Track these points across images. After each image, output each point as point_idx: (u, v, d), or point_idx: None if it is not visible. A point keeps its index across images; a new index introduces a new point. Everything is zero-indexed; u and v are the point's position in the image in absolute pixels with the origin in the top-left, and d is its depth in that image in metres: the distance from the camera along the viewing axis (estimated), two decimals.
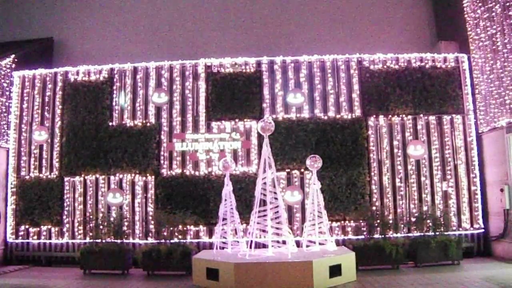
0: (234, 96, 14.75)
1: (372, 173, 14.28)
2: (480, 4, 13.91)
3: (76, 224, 14.75)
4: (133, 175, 14.71)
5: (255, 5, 18.34)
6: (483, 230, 14.03)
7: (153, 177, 14.63)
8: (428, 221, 13.18)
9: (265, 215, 10.86)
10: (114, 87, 15.26)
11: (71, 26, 18.48)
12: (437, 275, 11.21)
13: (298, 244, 12.00)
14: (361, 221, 13.79)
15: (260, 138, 13.91)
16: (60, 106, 15.40)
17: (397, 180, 14.28)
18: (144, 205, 14.67)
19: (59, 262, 14.87)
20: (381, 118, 14.53)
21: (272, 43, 16.98)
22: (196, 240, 14.13)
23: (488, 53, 13.68)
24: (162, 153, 14.78)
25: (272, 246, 10.99)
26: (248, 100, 14.73)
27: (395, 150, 14.41)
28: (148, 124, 14.93)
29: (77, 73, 15.48)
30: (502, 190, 13.06)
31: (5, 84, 15.48)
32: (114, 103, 15.18)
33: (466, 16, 14.82)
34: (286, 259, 10.28)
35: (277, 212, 10.98)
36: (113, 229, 13.55)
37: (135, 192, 14.69)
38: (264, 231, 11.15)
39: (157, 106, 15.06)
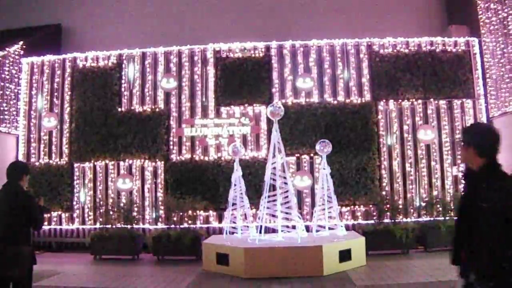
0: (243, 81, 14.70)
1: (382, 158, 14.23)
2: None
3: (86, 210, 14.82)
4: (142, 160, 14.73)
5: None
6: None
7: (162, 162, 14.64)
8: (438, 206, 13.16)
9: (274, 200, 10.84)
10: (123, 73, 15.24)
11: (79, 12, 18.41)
12: (446, 260, 11.00)
13: (307, 229, 11.99)
14: (370, 206, 13.79)
15: (269, 123, 13.85)
16: (69, 92, 15.42)
17: (407, 164, 14.22)
18: (154, 190, 14.70)
19: (70, 248, 14.97)
20: (391, 102, 14.44)
21: (281, 27, 16.83)
22: (206, 225, 14.16)
23: (499, 37, 13.55)
24: (171, 138, 14.79)
25: (282, 231, 11.00)
26: (257, 85, 14.68)
27: (405, 135, 14.34)
28: (157, 110, 14.92)
29: (86, 59, 15.48)
30: None
31: (14, 71, 15.51)
32: (122, 89, 15.17)
33: None
34: (296, 244, 10.28)
35: (287, 197, 10.97)
36: (123, 215, 13.61)
37: (145, 177, 14.72)
38: (273, 216, 11.16)
39: (166, 92, 15.05)
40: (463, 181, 4.08)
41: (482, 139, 3.94)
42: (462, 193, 4.22)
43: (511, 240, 3.49)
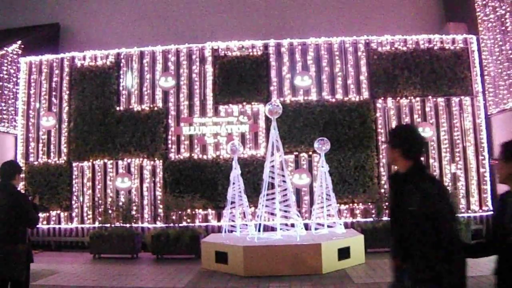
0: (241, 80, 14.70)
1: (381, 156, 14.23)
2: None
3: (85, 209, 14.82)
4: (141, 159, 14.73)
5: None
6: (492, 212, 13.97)
7: (161, 161, 14.64)
8: None
9: (273, 198, 10.85)
10: (121, 72, 15.24)
11: (77, 12, 18.41)
12: None
13: (306, 227, 12.01)
14: (369, 203, 13.78)
15: (267, 121, 13.86)
16: (67, 92, 15.41)
17: None
18: (153, 189, 14.71)
19: (69, 247, 14.96)
20: (389, 100, 14.45)
21: (279, 26, 16.85)
22: (204, 224, 14.17)
23: (497, 34, 13.56)
24: (169, 137, 14.78)
25: (281, 229, 11.01)
26: (255, 83, 14.68)
27: None
28: (156, 108, 14.91)
29: (84, 58, 15.47)
30: None
31: (12, 70, 15.50)
32: (121, 88, 15.16)
33: None
34: (295, 242, 10.29)
35: (286, 195, 10.98)
36: (122, 214, 13.62)
37: (143, 176, 14.72)
38: (272, 214, 11.18)
39: (164, 90, 15.04)
40: (389, 184, 4.07)
41: (408, 141, 3.91)
42: (390, 197, 4.23)
43: (441, 242, 3.48)
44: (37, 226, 13.46)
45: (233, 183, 11.85)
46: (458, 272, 3.48)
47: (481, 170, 14.11)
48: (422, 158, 3.92)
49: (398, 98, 14.44)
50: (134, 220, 13.84)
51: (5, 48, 15.32)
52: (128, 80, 15.25)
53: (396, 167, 4.00)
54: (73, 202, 14.88)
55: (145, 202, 14.60)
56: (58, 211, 14.86)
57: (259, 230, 10.96)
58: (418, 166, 3.84)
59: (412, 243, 3.59)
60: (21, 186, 14.69)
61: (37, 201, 7.11)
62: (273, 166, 10.97)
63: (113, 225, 13.49)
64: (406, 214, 3.62)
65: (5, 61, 15.26)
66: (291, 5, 17.73)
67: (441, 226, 3.51)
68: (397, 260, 3.85)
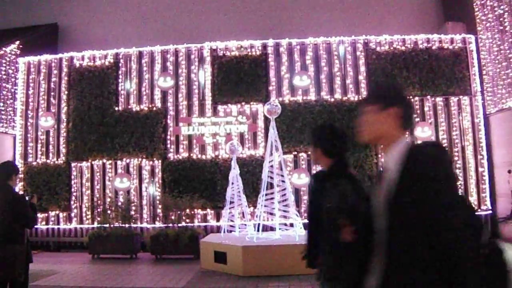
0: (240, 79, 14.69)
1: (379, 155, 14.24)
2: None
3: (84, 209, 14.81)
4: (140, 159, 14.72)
5: None
6: (490, 212, 14.00)
7: (160, 161, 14.64)
8: None
9: (272, 198, 10.85)
10: (120, 72, 15.23)
11: (76, 11, 18.39)
12: None
13: (305, 226, 11.98)
14: None
15: (266, 121, 13.87)
16: (65, 92, 15.40)
17: None
18: (152, 189, 14.70)
19: (68, 247, 14.95)
20: None
21: (278, 26, 16.82)
22: (203, 224, 14.16)
23: (495, 34, 13.57)
24: (168, 137, 14.78)
25: (280, 229, 11.00)
26: (254, 83, 14.67)
27: None
28: (154, 109, 14.91)
29: (82, 58, 15.45)
30: (509, 171, 13.00)
31: (10, 71, 15.48)
32: (119, 88, 15.16)
33: None
34: (294, 241, 10.28)
35: (285, 195, 10.98)
36: (121, 214, 13.61)
37: (142, 176, 14.71)
38: (271, 214, 11.18)
39: (163, 90, 15.04)
40: (310, 182, 4.03)
41: (328, 140, 3.95)
42: (309, 195, 4.20)
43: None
44: (36, 226, 13.58)
45: (232, 183, 11.86)
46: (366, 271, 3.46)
47: (480, 169, 14.12)
48: (344, 156, 3.97)
49: None
50: (133, 220, 13.83)
51: (3, 48, 15.31)
52: (127, 80, 15.23)
53: (320, 165, 4.00)
54: (72, 202, 14.87)
55: (144, 202, 14.59)
56: (57, 212, 14.84)
57: (258, 230, 10.97)
58: (338, 165, 3.86)
59: (327, 240, 3.53)
60: (20, 187, 14.70)
61: (35, 201, 7.11)
62: (272, 166, 10.96)
63: (112, 226, 13.48)
64: (323, 210, 3.58)
65: (4, 61, 15.25)
66: (290, 5, 17.72)
67: (355, 223, 3.45)
68: (308, 259, 3.86)
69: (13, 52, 15.64)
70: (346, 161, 3.97)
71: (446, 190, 2.34)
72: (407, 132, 2.67)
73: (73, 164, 15.02)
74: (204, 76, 15.00)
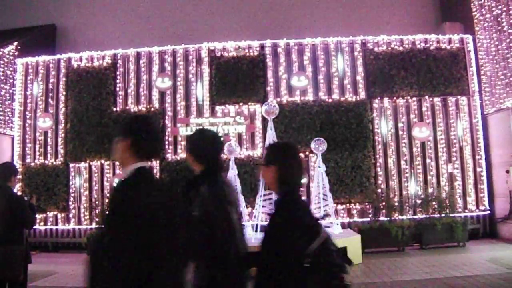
0: (238, 80, 14.69)
1: (377, 156, 14.25)
2: None
3: (82, 210, 14.80)
4: None
5: None
6: (488, 212, 14.00)
7: (157, 161, 14.63)
8: (434, 203, 13.20)
9: (270, 199, 10.87)
10: (118, 73, 15.23)
11: (74, 12, 18.40)
12: (442, 256, 11.23)
13: None
14: (366, 203, 13.81)
15: (264, 121, 13.86)
16: (63, 93, 15.40)
17: (402, 162, 14.24)
18: None
19: (66, 248, 14.93)
20: (386, 100, 14.46)
21: (275, 26, 16.83)
22: None
23: (493, 34, 13.58)
24: (166, 138, 14.77)
25: None
26: (252, 84, 14.67)
27: (400, 132, 14.35)
28: (152, 109, 14.91)
29: (80, 59, 15.45)
30: (507, 171, 13.02)
31: (8, 72, 15.47)
32: (117, 89, 15.16)
33: None
34: None
35: None
36: None
37: None
38: (269, 214, 11.15)
39: (161, 91, 15.03)
40: (181, 189, 4.01)
41: (197, 145, 3.93)
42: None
43: (215, 249, 3.45)
44: (34, 227, 13.55)
45: None
46: (232, 282, 3.47)
47: (478, 169, 14.13)
48: (216, 162, 3.92)
49: (395, 98, 14.45)
50: None
51: (1, 49, 15.29)
52: (125, 81, 15.22)
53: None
54: (70, 203, 14.86)
55: None
56: (55, 212, 14.83)
57: (256, 231, 10.98)
58: (207, 171, 3.83)
59: (194, 249, 3.51)
60: (18, 188, 14.69)
61: (34, 202, 7.12)
62: None
63: None
64: (190, 220, 3.54)
65: (2, 62, 15.23)
66: (288, 5, 17.73)
67: (214, 232, 3.45)
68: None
69: (11, 53, 15.63)
70: (218, 167, 3.93)
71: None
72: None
73: (71, 165, 15.01)
74: (202, 76, 14.98)
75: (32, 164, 15.15)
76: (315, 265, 3.11)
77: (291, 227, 3.22)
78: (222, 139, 4.19)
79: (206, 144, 3.92)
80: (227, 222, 3.57)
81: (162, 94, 15.05)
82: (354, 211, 14.03)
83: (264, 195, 10.96)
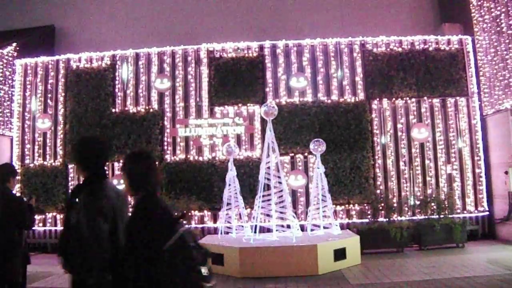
0: (236, 81, 14.69)
1: (376, 157, 14.25)
2: None
3: None
4: None
5: None
6: (487, 213, 14.01)
7: (157, 163, 14.56)
8: (433, 204, 13.19)
9: (269, 200, 10.87)
10: (117, 74, 15.22)
11: (72, 13, 18.39)
12: (441, 257, 11.22)
13: (302, 228, 12.02)
14: (365, 204, 13.81)
15: (263, 122, 13.85)
16: (62, 94, 15.39)
17: (401, 163, 14.25)
18: None
19: None
20: (385, 101, 14.46)
21: (274, 27, 16.84)
22: (200, 225, 14.15)
23: (492, 35, 13.59)
24: (165, 138, 14.77)
25: (277, 230, 11.03)
26: (251, 85, 14.67)
27: (399, 133, 14.36)
28: (151, 110, 14.90)
29: (79, 60, 15.45)
30: (506, 172, 13.03)
31: (7, 73, 15.46)
32: (116, 90, 15.15)
33: None
34: (291, 243, 10.30)
35: (281, 196, 11.00)
36: None
37: None
38: (268, 215, 11.20)
39: (160, 92, 15.03)
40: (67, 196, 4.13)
41: (80, 154, 3.97)
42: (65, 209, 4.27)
43: (86, 255, 3.61)
44: (33, 228, 13.54)
45: (229, 185, 11.87)
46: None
47: (477, 170, 14.14)
48: (100, 169, 4.01)
49: (394, 99, 14.46)
50: None
51: (0, 50, 15.28)
52: (124, 82, 15.22)
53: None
54: None
55: None
56: (54, 213, 14.82)
57: (255, 232, 10.98)
58: (89, 179, 3.91)
59: (73, 254, 3.70)
60: (17, 189, 14.67)
61: (34, 203, 7.12)
62: (269, 168, 10.99)
63: None
64: (72, 226, 3.73)
65: (1, 63, 15.23)
66: (287, 6, 17.72)
67: (83, 238, 3.62)
68: (66, 271, 3.89)
69: (10, 54, 15.62)
70: (101, 174, 3.99)
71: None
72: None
73: (70, 166, 14.98)
74: (201, 77, 14.99)
75: (31, 165, 15.13)
76: (173, 259, 3.32)
77: (149, 226, 3.42)
78: (106, 146, 4.26)
79: (88, 152, 3.95)
80: (94, 233, 3.66)
81: (161, 95, 15.05)
82: (353, 212, 14.03)
83: (263, 196, 10.95)
